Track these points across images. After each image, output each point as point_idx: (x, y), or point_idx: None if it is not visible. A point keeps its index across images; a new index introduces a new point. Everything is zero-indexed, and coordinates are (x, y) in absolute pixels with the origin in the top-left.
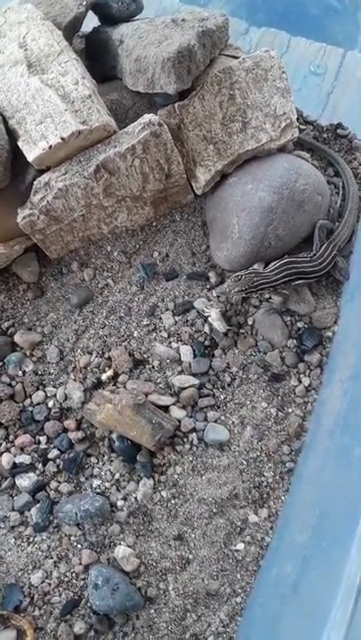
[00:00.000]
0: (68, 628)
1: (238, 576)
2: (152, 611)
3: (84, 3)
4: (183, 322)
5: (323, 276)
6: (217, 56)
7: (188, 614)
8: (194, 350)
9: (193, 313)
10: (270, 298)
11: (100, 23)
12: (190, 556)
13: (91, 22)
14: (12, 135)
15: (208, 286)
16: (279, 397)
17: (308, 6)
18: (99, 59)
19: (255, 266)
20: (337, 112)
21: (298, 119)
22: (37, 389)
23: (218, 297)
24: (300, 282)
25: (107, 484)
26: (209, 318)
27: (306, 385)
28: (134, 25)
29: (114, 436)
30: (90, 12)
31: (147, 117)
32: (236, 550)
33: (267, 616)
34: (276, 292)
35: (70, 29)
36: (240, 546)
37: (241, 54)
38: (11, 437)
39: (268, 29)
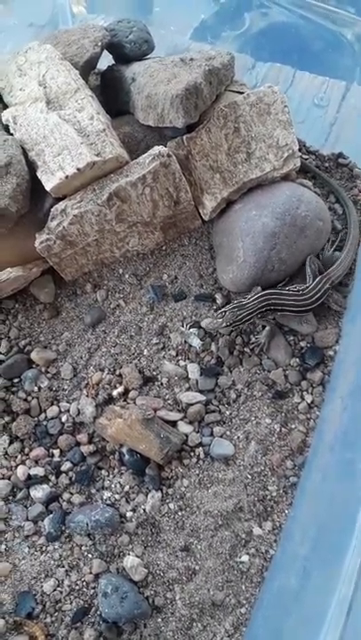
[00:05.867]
0: (78, 635)
1: (243, 587)
2: (159, 620)
3: (100, 43)
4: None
5: (311, 310)
6: (223, 92)
7: (195, 624)
8: (201, 368)
9: (200, 332)
10: (274, 318)
11: (114, 62)
12: (196, 567)
13: (105, 60)
14: (32, 166)
15: (215, 307)
16: (283, 414)
17: (310, 43)
18: (113, 95)
19: (252, 293)
20: (339, 142)
21: (300, 149)
22: (52, 404)
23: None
24: (286, 314)
25: (117, 496)
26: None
27: (308, 402)
28: (146, 64)
29: (124, 449)
30: (105, 51)
31: (157, 149)
32: (241, 562)
33: (270, 627)
34: (262, 320)
35: (86, 68)
36: (245, 558)
37: (246, 90)
38: (26, 450)
39: (273, 64)
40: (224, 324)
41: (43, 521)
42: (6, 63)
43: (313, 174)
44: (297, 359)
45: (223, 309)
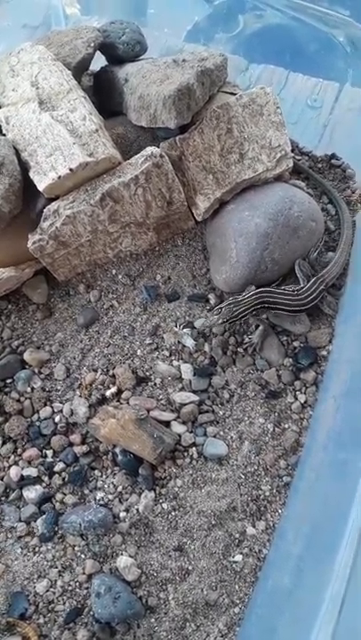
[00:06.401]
0: (71, 635)
1: (236, 587)
2: (153, 620)
3: (92, 44)
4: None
5: (306, 310)
6: (216, 93)
7: (188, 624)
8: (194, 368)
9: (194, 333)
10: (268, 318)
11: (107, 63)
12: (190, 567)
13: (99, 61)
14: (24, 166)
15: (208, 307)
16: (276, 413)
17: (303, 45)
18: (106, 95)
19: (246, 291)
20: (332, 143)
21: (293, 150)
22: (45, 405)
23: (203, 331)
24: (279, 313)
25: (110, 496)
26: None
27: (302, 402)
28: (139, 65)
29: (117, 449)
30: (98, 52)
31: (149, 150)
32: (235, 562)
33: (264, 626)
34: (256, 319)
35: (79, 69)
36: (238, 557)
37: (238, 91)
38: (19, 451)
39: (266, 66)
40: (220, 321)
41: (36, 521)
42: None
43: (306, 175)
44: (290, 359)
45: (219, 306)
